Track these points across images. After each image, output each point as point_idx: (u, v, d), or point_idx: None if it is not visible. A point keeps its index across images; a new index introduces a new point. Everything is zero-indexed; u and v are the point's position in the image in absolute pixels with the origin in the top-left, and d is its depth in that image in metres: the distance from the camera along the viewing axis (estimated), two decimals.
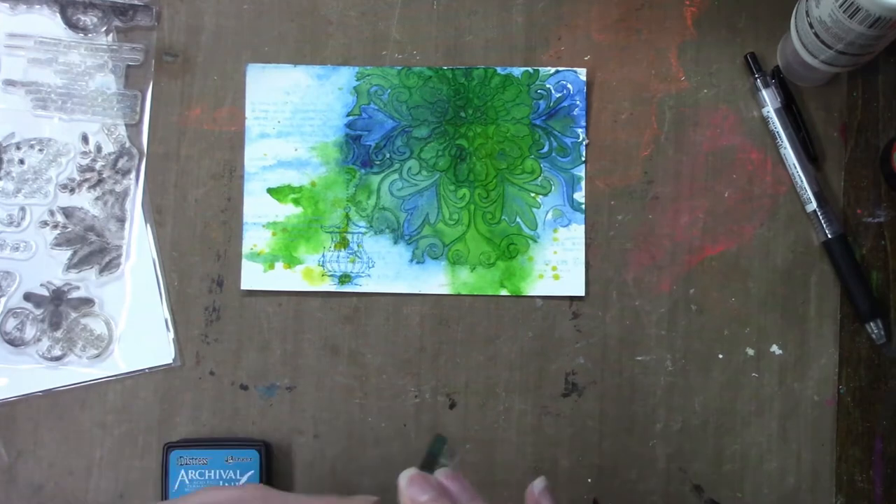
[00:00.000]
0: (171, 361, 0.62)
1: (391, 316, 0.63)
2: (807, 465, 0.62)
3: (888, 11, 0.53)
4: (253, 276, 0.63)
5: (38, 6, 0.63)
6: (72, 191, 0.62)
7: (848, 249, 0.62)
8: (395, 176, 0.63)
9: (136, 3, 0.63)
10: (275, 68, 0.64)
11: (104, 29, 0.62)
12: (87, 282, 0.62)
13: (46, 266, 0.62)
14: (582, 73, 0.64)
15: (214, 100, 0.64)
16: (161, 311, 0.62)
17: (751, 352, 0.63)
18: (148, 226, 0.63)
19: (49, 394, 0.62)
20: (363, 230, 0.63)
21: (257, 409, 0.63)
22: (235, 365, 0.63)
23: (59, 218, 0.62)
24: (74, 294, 0.62)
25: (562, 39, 0.64)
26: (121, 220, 0.62)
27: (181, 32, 0.64)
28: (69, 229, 0.62)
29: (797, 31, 0.60)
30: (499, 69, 0.64)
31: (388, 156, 0.63)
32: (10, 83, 0.63)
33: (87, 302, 0.62)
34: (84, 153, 0.62)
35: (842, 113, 0.64)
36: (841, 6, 0.54)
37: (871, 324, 0.62)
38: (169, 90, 0.64)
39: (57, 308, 0.62)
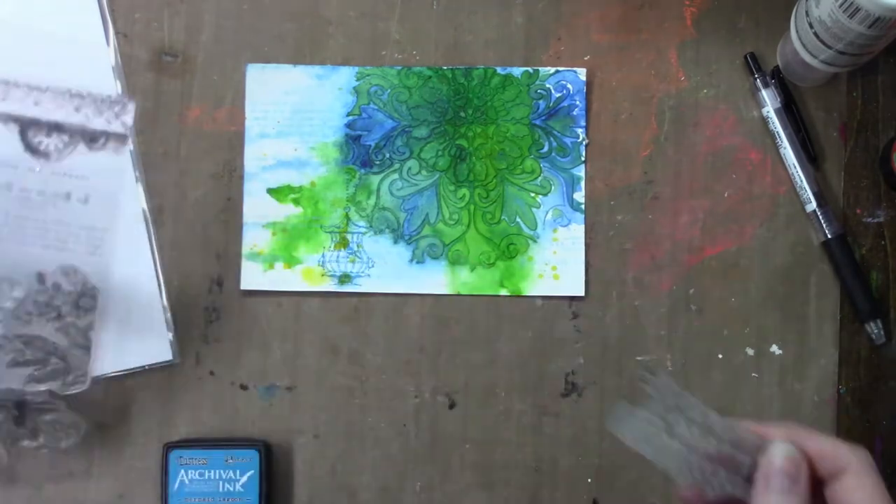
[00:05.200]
0: (170, 361, 0.62)
1: (391, 316, 0.63)
2: None
3: (888, 11, 0.53)
4: (253, 276, 0.63)
5: None
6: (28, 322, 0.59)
7: (848, 249, 0.62)
8: (395, 176, 0.63)
9: (109, 130, 0.57)
10: (275, 68, 0.64)
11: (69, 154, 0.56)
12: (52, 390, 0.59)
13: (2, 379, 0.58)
14: (582, 73, 0.64)
15: (214, 100, 0.64)
16: (161, 312, 0.62)
17: (751, 352, 0.63)
18: (148, 226, 0.63)
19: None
20: (363, 230, 0.63)
21: (257, 409, 0.63)
22: (235, 365, 0.63)
23: (18, 345, 0.58)
24: (39, 398, 0.59)
25: (562, 39, 0.64)
26: (85, 348, 0.59)
27: (181, 32, 0.64)
28: (27, 354, 0.58)
29: (797, 31, 0.60)
30: (499, 69, 0.64)
31: (387, 156, 0.63)
32: None
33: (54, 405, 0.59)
34: (40, 291, 0.59)
35: (841, 113, 0.64)
36: (841, 6, 0.54)
37: (871, 324, 0.62)
38: (169, 90, 0.64)
39: (21, 413, 0.59)
